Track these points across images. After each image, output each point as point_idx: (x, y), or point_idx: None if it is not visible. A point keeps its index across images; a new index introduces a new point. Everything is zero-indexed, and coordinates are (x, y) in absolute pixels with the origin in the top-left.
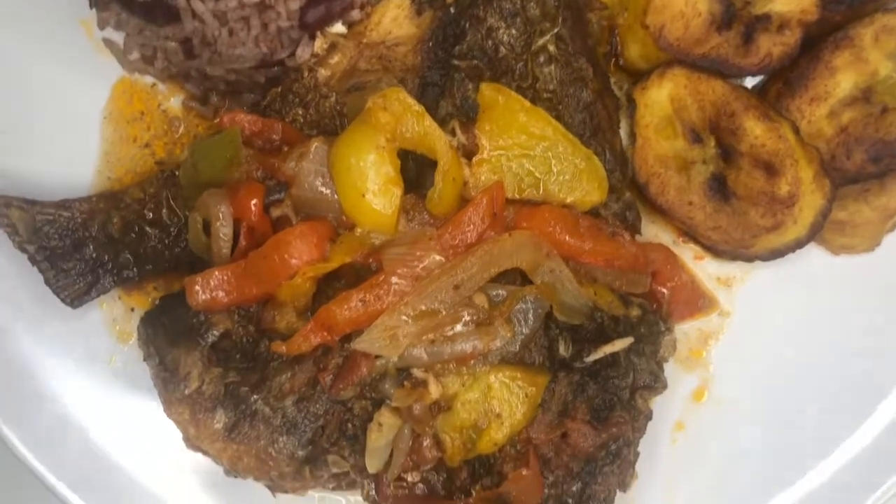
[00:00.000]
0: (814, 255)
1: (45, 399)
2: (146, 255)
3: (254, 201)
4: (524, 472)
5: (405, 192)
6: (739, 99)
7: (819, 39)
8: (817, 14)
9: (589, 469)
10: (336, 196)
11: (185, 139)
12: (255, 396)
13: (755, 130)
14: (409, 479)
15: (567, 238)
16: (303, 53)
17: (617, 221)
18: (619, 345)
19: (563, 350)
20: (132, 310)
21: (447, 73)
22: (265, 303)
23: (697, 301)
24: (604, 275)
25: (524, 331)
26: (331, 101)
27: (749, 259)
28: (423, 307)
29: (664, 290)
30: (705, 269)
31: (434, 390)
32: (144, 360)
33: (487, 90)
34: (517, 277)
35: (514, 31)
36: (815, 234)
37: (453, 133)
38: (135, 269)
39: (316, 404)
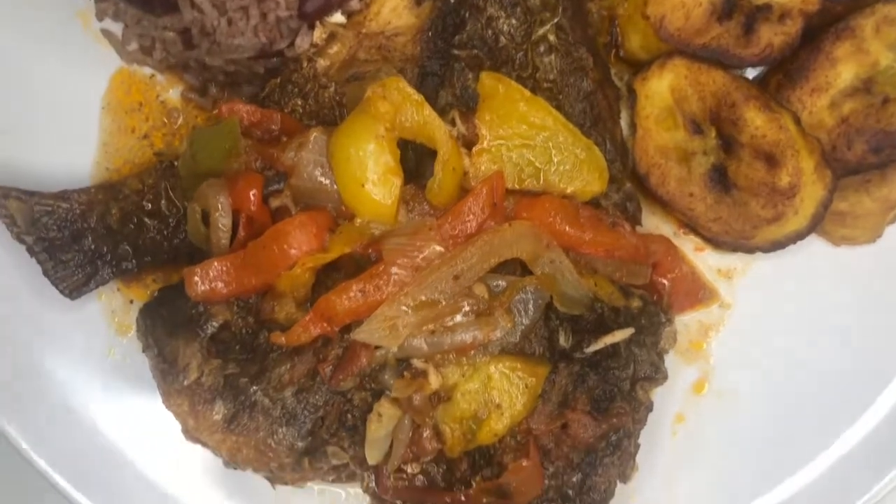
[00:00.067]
0: (815, 247)
1: (43, 391)
2: (145, 247)
3: (253, 192)
4: (524, 463)
5: (405, 183)
6: (740, 89)
7: (820, 30)
8: (818, 4)
9: (589, 460)
10: (335, 186)
11: (183, 130)
12: (254, 387)
13: (756, 121)
14: (409, 470)
15: (567, 228)
16: (302, 43)
17: (617, 212)
18: (620, 335)
19: (563, 341)
20: (131, 302)
21: (447, 63)
22: (264, 294)
23: (698, 293)
24: (604, 266)
25: (524, 321)
26: (330, 92)
27: (750, 250)
28: (423, 297)
29: (665, 282)
30: (706, 260)
31: (434, 381)
32: (143, 351)
33: (487, 79)
34: (517, 268)
35: (514, 21)
36: (815, 225)
37: (453, 123)
38: (133, 261)
39: (315, 395)
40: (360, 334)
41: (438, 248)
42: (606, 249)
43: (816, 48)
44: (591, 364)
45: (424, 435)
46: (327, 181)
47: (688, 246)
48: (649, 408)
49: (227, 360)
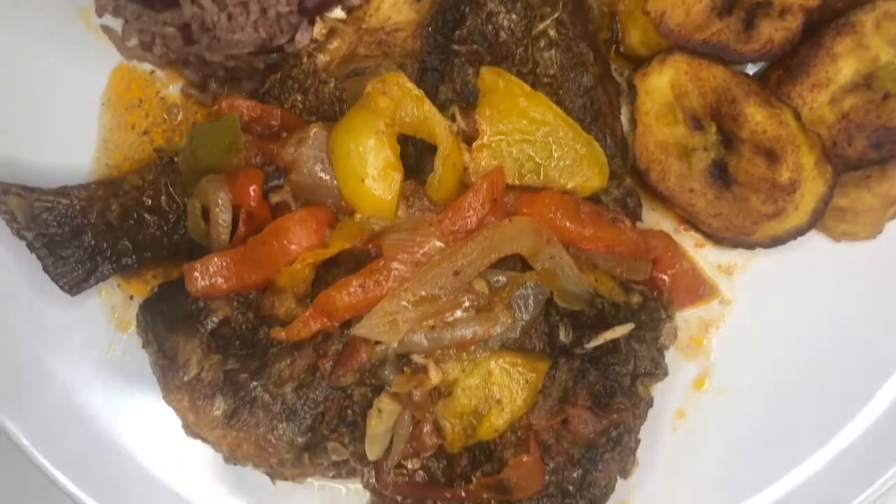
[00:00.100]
0: (815, 243)
1: (43, 387)
2: (145, 242)
3: (253, 187)
4: (525, 458)
5: (405, 178)
6: (740, 85)
7: (820, 26)
8: (819, 0)
9: (590, 456)
10: (335, 181)
11: (183, 126)
12: (254, 383)
13: (756, 117)
14: (410, 466)
15: (567, 224)
16: (302, 39)
17: (618, 207)
18: (620, 331)
19: (563, 336)
20: (131, 298)
21: (447, 59)
22: (264, 289)
23: (698, 289)
24: (604, 261)
25: (524, 317)
26: (330, 87)
27: (750, 246)
28: (423, 293)
29: (665, 278)
30: (706, 256)
31: (434, 376)
32: (143, 347)
33: (488, 74)
34: (517, 263)
35: (514, 16)
36: (816, 220)
37: (453, 118)
38: (133, 257)
39: (315, 391)
40: (360, 329)
41: (438, 243)
42: (607, 245)
43: (817, 44)
44: (591, 359)
45: (425, 430)
46: (327, 177)
47: (688, 242)
48: (650, 403)
49: (227, 356)
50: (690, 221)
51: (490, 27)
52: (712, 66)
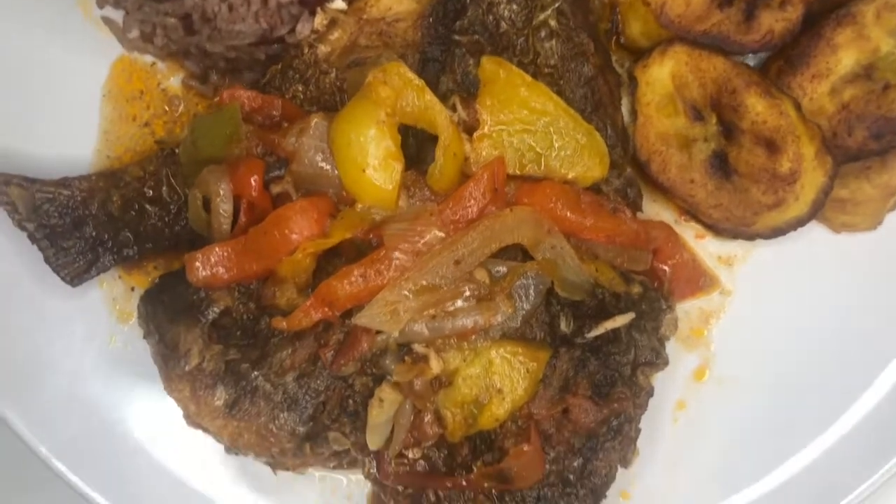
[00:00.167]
0: (815, 234)
1: (44, 378)
2: (146, 234)
3: (254, 177)
4: (525, 447)
5: (406, 168)
6: (741, 76)
7: (821, 16)
8: None
9: (590, 445)
10: (336, 171)
11: (184, 118)
12: (255, 373)
13: (756, 107)
14: (411, 455)
15: (568, 214)
16: (303, 29)
17: (618, 198)
18: (621, 320)
19: (564, 326)
20: (132, 289)
21: (448, 49)
22: (265, 279)
23: (698, 280)
24: (605, 251)
25: (525, 306)
26: (331, 77)
27: (750, 237)
28: (424, 282)
29: (665, 268)
30: (706, 247)
31: (435, 365)
32: (144, 337)
33: (488, 64)
34: (518, 253)
35: (514, 6)
36: (816, 211)
37: (454, 108)
38: (135, 248)
39: (317, 380)
40: (361, 319)
41: (439, 233)
42: (607, 235)
43: (817, 34)
44: (592, 349)
45: (426, 420)
46: (328, 167)
47: (689, 233)
48: (650, 393)
49: (228, 346)
50: (691, 212)
51: (491, 17)
52: (713, 56)
